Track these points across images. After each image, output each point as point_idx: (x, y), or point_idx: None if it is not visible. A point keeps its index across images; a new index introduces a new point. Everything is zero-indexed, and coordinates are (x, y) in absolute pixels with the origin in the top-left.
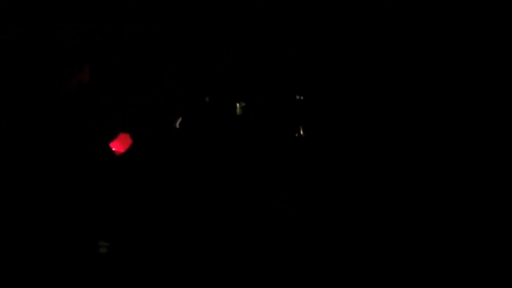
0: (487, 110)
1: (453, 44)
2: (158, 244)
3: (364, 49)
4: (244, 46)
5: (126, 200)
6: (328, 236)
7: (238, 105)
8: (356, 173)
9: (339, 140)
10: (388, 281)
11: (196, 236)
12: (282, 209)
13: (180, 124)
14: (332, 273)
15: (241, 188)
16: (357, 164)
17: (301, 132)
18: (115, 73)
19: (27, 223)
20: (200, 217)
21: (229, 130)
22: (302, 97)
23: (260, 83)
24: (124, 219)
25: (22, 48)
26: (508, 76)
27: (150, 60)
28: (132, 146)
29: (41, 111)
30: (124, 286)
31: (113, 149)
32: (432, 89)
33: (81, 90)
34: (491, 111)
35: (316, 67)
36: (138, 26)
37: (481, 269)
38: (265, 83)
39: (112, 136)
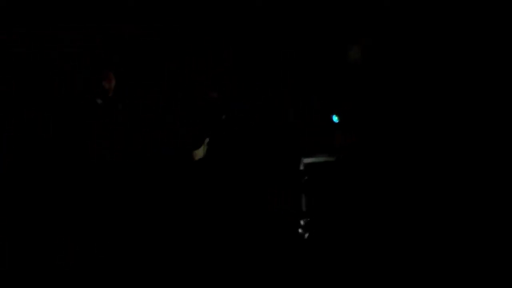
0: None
1: (453, 44)
2: (158, 244)
3: (364, 49)
4: (244, 46)
5: (126, 199)
6: (328, 236)
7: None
8: (355, 173)
9: (338, 139)
10: (388, 281)
11: (196, 236)
12: (282, 209)
13: (208, 143)
14: (332, 273)
15: (241, 188)
16: (356, 164)
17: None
18: (115, 73)
19: (27, 222)
20: (200, 216)
21: (228, 130)
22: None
23: (260, 83)
24: (124, 219)
25: (22, 48)
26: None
27: (150, 60)
28: (132, 146)
29: (41, 111)
30: (124, 286)
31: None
32: (432, 91)
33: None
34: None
35: (316, 67)
36: (138, 26)
37: (481, 269)
38: (265, 83)
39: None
